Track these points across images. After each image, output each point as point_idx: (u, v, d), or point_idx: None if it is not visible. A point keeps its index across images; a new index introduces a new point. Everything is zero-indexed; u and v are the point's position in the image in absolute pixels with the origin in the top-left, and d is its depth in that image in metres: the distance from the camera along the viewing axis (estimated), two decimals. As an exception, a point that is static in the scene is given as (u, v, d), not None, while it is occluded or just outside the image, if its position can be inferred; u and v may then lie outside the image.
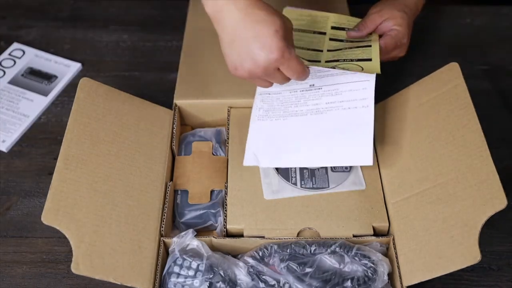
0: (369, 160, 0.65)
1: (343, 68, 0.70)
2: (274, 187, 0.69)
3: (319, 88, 0.71)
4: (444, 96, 0.67)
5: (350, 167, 0.71)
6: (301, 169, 0.70)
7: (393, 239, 0.64)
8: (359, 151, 0.66)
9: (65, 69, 0.90)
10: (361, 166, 0.71)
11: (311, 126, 0.69)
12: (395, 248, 0.63)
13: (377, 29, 0.76)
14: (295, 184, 0.69)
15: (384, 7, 0.77)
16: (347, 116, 0.68)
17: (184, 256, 0.62)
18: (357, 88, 0.69)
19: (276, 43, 0.56)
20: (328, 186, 0.69)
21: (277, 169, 0.70)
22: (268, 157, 0.69)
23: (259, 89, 0.74)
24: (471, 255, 0.55)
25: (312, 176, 0.70)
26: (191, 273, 0.61)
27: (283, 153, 0.69)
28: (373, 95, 0.68)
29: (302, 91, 0.72)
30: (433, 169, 0.64)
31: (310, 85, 0.72)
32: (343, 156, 0.67)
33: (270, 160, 0.69)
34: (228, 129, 0.76)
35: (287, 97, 0.72)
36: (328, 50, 0.76)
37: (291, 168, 0.71)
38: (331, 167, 0.71)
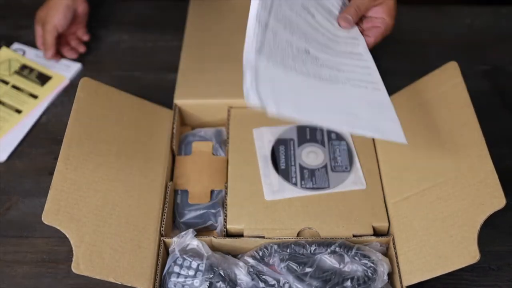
0: (402, 137, 0.58)
1: None
2: (275, 188, 0.69)
3: (316, 58, 0.61)
4: (443, 95, 0.67)
5: (350, 167, 0.71)
6: (301, 169, 0.70)
7: (393, 239, 0.64)
8: (389, 125, 0.59)
9: (65, 69, 0.90)
10: (361, 165, 0.70)
11: (328, 89, 0.59)
12: (395, 248, 0.63)
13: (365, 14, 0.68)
14: (295, 184, 0.69)
15: None
16: (361, 93, 0.60)
17: (184, 256, 0.62)
18: (361, 71, 0.63)
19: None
20: (329, 186, 0.69)
21: (277, 169, 0.70)
22: (276, 102, 0.53)
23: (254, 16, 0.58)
24: (470, 255, 0.55)
25: (312, 176, 0.70)
26: (191, 273, 0.61)
27: (298, 102, 0.55)
28: (381, 81, 0.62)
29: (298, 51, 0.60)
30: (433, 169, 0.64)
31: (306, 50, 0.61)
32: (374, 127, 0.58)
33: (283, 105, 0.53)
34: (228, 129, 0.76)
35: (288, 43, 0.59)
36: None
37: (291, 168, 0.71)
38: (331, 167, 0.71)
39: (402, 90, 0.73)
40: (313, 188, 0.69)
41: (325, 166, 0.71)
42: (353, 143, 0.73)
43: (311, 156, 0.72)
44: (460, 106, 0.64)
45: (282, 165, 0.71)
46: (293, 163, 0.71)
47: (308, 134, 0.74)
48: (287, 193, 0.68)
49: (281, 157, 0.72)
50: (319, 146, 0.73)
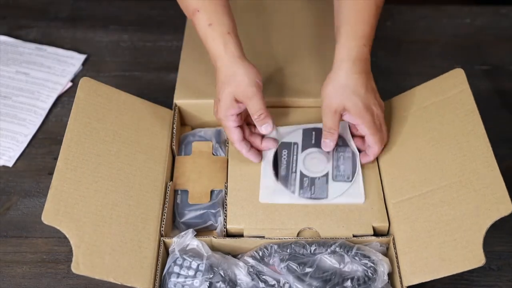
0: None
1: None
2: (271, 192, 0.68)
3: None
4: (449, 101, 0.67)
5: (352, 177, 0.69)
6: (301, 176, 0.69)
7: (393, 239, 0.64)
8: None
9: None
10: (362, 173, 0.70)
11: None
12: (395, 248, 0.63)
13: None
14: (293, 192, 0.68)
15: (333, 96, 0.66)
16: None
17: (184, 256, 0.62)
18: None
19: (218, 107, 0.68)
20: (327, 197, 0.67)
21: (276, 175, 0.69)
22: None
23: None
24: (475, 258, 0.55)
25: (311, 185, 0.68)
26: (191, 273, 0.61)
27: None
28: None
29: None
30: (437, 172, 0.63)
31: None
32: None
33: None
34: (228, 129, 0.75)
35: None
36: None
37: (291, 175, 0.69)
38: (332, 176, 0.69)
39: (407, 92, 0.73)
40: (310, 198, 0.67)
41: (326, 175, 0.69)
42: (357, 151, 0.71)
43: (314, 162, 0.70)
44: (466, 113, 0.64)
45: (283, 171, 0.70)
46: (294, 170, 0.70)
47: (314, 138, 0.73)
48: (283, 199, 0.67)
49: (282, 162, 0.71)
50: (323, 152, 0.71)
